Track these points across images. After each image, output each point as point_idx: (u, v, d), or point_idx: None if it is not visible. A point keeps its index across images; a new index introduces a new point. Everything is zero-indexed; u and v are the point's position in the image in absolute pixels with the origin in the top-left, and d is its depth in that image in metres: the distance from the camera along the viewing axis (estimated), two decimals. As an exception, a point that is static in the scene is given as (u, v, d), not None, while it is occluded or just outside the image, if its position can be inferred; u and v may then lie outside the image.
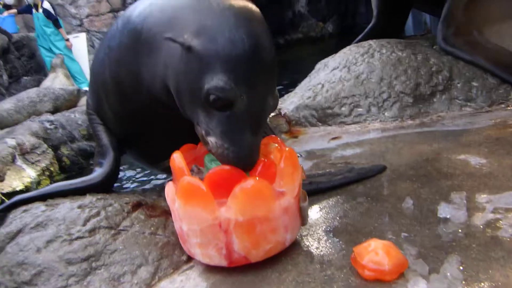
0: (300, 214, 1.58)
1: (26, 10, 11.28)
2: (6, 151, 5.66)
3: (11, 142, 5.92)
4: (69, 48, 11.25)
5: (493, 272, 1.31)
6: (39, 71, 11.82)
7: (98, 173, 1.98)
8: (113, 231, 1.63)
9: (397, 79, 3.32)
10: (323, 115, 3.36)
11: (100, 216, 1.68)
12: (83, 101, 8.21)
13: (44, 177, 5.81)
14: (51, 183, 5.62)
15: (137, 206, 1.81)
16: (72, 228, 1.61)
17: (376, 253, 1.36)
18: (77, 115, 7.12)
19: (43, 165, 5.83)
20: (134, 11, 1.76)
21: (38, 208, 1.74)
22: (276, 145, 1.64)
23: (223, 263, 1.47)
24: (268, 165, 1.55)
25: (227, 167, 1.47)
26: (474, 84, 3.26)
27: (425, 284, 1.29)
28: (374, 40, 3.88)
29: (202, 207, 1.40)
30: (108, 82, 1.89)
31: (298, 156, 1.92)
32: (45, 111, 7.60)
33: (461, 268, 1.35)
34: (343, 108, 3.33)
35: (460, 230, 1.57)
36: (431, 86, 3.27)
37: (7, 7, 12.09)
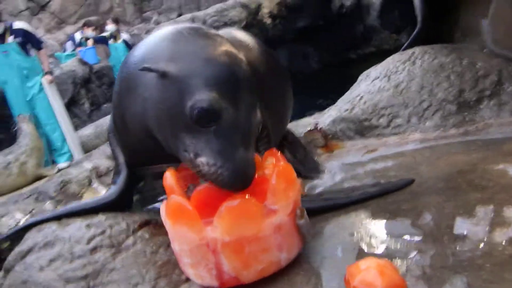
0: (298, 232, 1.50)
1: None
2: (83, 175, 5.99)
3: (88, 165, 6.26)
4: None
5: (503, 296, 1.16)
6: (119, 99, 12.45)
7: (111, 191, 2.02)
8: (113, 250, 1.64)
9: (438, 86, 3.12)
10: (361, 128, 3.22)
11: (105, 234, 1.70)
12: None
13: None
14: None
15: (144, 224, 1.81)
16: (75, 246, 1.64)
17: (368, 273, 1.25)
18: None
19: (118, 187, 6.10)
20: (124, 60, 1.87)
21: (50, 227, 1.80)
22: (273, 160, 1.58)
23: (215, 284, 1.42)
24: (261, 181, 1.49)
25: None
26: (526, 88, 2.99)
27: (419, 309, 1.16)
28: (420, 47, 3.70)
29: (188, 226, 1.37)
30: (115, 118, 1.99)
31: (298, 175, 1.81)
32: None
33: (466, 291, 1.20)
34: (381, 120, 3.18)
35: (477, 248, 1.41)
36: (477, 91, 3.04)
37: (88, 39, 12.90)
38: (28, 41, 6.49)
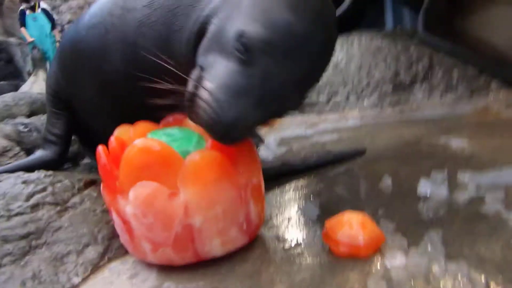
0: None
1: (23, 19, 10.86)
2: (-23, 154, 5.43)
3: (-22, 142, 5.68)
4: None
5: (478, 247, 1.18)
6: (17, 76, 11.52)
7: (51, 150, 1.82)
8: (59, 208, 1.46)
9: (376, 67, 3.21)
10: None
11: (46, 191, 1.50)
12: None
13: (14, 180, 5.57)
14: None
15: (90, 183, 1.64)
16: (12, 204, 1.43)
17: (350, 227, 1.22)
18: (54, 119, 6.88)
19: (14, 167, 5.58)
20: None
21: (-22, 184, 1.56)
22: None
23: (245, 240, 1.32)
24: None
25: None
26: (455, 73, 3.17)
27: (404, 259, 1.15)
28: (356, 30, 3.78)
29: (229, 181, 1.26)
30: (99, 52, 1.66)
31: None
32: (21, 115, 7.33)
33: (443, 242, 1.21)
34: (320, 96, 3.20)
35: (441, 207, 1.44)
36: (411, 75, 3.17)
37: None
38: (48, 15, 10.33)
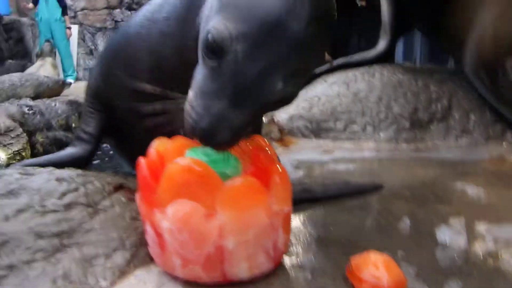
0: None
1: None
2: (-21, 130, 5.43)
3: (-15, 121, 5.69)
4: (68, 37, 11.08)
5: (496, 303, 1.23)
6: (26, 56, 11.59)
7: (83, 147, 1.86)
8: (91, 209, 1.49)
9: (396, 101, 3.27)
10: (317, 128, 3.27)
11: (78, 192, 1.54)
12: (66, 93, 8.04)
13: (14, 161, 5.56)
14: (20, 167, 5.40)
15: (118, 188, 1.67)
16: (46, 200, 1.47)
17: (375, 267, 1.26)
18: (58, 104, 6.86)
19: (15, 148, 5.58)
20: None
21: (12, 175, 1.60)
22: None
23: (271, 266, 1.34)
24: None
25: None
26: (472, 117, 3.23)
27: (426, 306, 1.19)
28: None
29: (262, 205, 1.29)
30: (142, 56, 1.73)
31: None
32: (26, 96, 7.35)
33: (463, 294, 1.26)
34: (337, 123, 3.25)
35: (460, 257, 1.49)
36: (430, 113, 3.23)
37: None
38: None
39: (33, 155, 5.97)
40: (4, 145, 5.76)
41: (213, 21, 1.18)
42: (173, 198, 1.24)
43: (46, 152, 6.20)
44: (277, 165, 1.39)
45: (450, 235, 1.62)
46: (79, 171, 1.71)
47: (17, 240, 1.34)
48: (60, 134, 6.60)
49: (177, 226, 1.24)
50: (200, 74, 1.23)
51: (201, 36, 1.25)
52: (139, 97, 1.71)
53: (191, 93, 1.23)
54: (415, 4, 3.79)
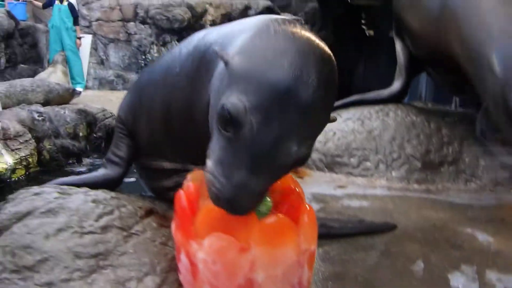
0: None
1: (49, 4, 11.25)
2: (-11, 131, 5.48)
3: (-5, 124, 5.77)
4: (77, 47, 11.29)
5: None
6: (38, 62, 11.79)
7: (114, 169, 1.95)
8: (125, 233, 1.57)
9: (408, 142, 3.36)
10: (332, 162, 3.36)
11: (114, 215, 1.62)
12: (75, 100, 8.15)
13: (20, 167, 5.61)
14: (25, 174, 5.47)
15: (149, 212, 1.76)
16: (84, 221, 1.55)
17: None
18: (67, 112, 6.94)
19: (23, 154, 5.63)
20: (199, 35, 1.73)
21: (51, 194, 1.68)
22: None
23: None
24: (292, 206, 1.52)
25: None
26: (481, 162, 3.32)
27: None
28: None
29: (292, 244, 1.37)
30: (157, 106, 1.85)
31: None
32: (36, 102, 7.46)
33: None
34: (352, 159, 3.34)
35: (472, 304, 1.56)
36: (441, 155, 3.32)
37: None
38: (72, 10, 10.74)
39: (40, 162, 6.03)
40: (12, 150, 5.82)
41: (226, 95, 1.25)
42: (210, 231, 1.33)
43: (52, 159, 6.28)
44: (306, 204, 1.48)
45: (463, 282, 1.69)
46: (112, 194, 1.79)
47: (57, 259, 1.42)
48: (67, 142, 6.67)
49: (212, 258, 1.32)
50: (216, 144, 1.29)
51: (215, 109, 1.32)
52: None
53: (209, 162, 1.30)
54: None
